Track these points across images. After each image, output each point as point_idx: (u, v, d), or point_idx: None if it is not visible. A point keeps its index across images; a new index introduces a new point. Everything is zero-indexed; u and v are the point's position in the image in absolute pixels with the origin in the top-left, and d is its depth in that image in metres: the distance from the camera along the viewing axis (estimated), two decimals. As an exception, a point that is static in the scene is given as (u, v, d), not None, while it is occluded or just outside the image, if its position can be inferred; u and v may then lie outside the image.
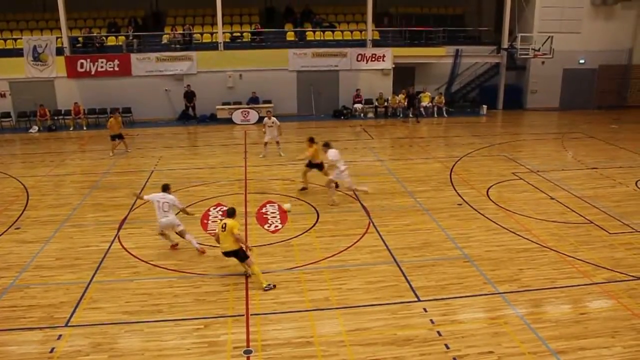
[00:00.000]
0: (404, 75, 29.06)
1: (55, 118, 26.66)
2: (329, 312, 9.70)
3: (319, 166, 15.68)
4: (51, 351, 8.87)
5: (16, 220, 14.51)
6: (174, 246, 12.37)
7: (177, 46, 27.30)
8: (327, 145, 14.88)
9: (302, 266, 11.46)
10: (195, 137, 24.36)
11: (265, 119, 19.73)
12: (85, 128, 26.16)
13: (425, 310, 9.67)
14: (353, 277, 10.93)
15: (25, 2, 29.44)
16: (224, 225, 10.42)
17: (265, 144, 19.84)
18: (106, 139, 23.77)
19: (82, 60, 26.41)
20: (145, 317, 9.71)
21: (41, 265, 11.89)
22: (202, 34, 28.43)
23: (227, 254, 10.63)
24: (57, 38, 26.57)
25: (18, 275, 11.47)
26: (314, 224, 13.71)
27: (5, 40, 27.60)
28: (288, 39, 28.53)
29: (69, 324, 9.61)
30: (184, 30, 28.08)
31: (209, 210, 14.78)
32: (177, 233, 12.12)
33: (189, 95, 26.60)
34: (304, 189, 15.93)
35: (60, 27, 26.54)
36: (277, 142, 19.89)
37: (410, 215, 14.26)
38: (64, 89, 26.73)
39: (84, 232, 13.64)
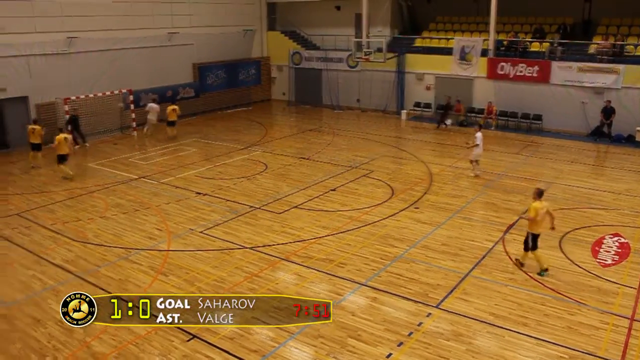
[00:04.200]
0: None
1: (468, 115, 28.39)
2: None
3: None
4: (419, 325, 9.78)
5: (417, 201, 16.23)
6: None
7: (604, 57, 25.49)
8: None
9: None
10: (604, 157, 22.53)
11: None
12: (493, 128, 27.00)
13: None
14: None
15: (462, 6, 31.93)
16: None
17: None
18: (510, 141, 24.23)
19: (503, 63, 27.20)
20: (509, 325, 9.75)
21: (428, 246, 13.09)
22: (636, 45, 25.85)
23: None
24: (483, 40, 28.03)
25: (408, 249, 12.92)
26: None
27: (439, 39, 30.69)
28: None
29: (439, 306, 10.40)
30: (615, 40, 26.02)
31: (603, 237, 13.61)
32: None
33: (608, 112, 24.58)
34: None
35: (489, 30, 27.90)
36: None
37: None
38: (481, 88, 28.13)
39: (472, 227, 14.33)
